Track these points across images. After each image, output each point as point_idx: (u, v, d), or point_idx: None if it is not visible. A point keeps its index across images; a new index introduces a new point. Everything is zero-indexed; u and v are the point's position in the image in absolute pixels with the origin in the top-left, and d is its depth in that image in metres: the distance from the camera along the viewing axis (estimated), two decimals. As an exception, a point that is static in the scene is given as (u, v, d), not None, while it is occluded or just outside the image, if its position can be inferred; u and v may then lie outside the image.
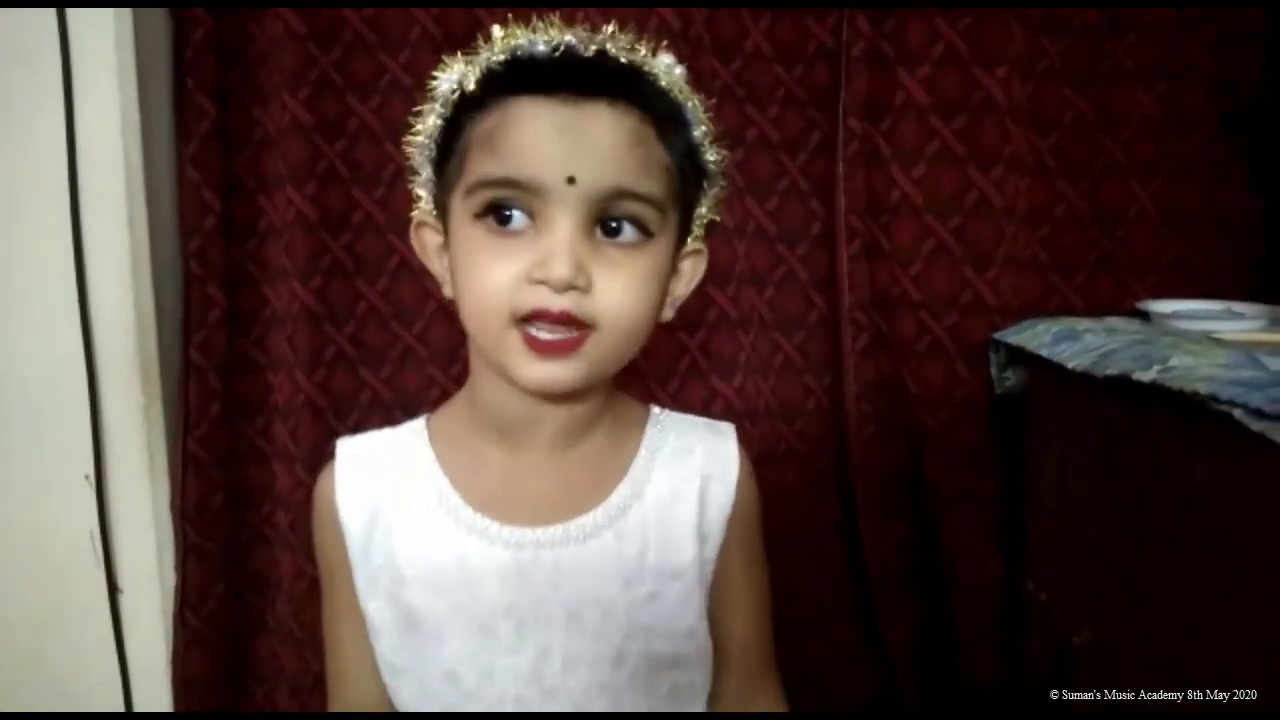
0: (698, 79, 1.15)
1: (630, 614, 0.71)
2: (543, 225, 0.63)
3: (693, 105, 0.68)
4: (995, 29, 1.17)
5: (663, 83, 0.66)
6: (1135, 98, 1.23)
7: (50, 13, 1.08)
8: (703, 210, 0.72)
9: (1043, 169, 1.23)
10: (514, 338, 0.64)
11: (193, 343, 1.18)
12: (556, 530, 0.70)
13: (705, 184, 0.71)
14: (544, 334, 0.63)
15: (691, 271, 0.74)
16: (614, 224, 0.64)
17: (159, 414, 1.17)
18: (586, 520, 0.71)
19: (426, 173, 0.71)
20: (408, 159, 0.72)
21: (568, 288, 0.62)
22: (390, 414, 1.21)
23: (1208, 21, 1.22)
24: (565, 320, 0.62)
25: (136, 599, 1.20)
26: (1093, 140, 1.24)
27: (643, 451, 0.75)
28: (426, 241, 0.73)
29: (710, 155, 0.70)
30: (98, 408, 1.15)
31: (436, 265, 0.73)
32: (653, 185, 0.65)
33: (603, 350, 0.65)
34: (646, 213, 0.65)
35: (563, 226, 0.62)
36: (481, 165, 0.64)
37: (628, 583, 0.71)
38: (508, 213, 0.63)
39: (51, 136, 1.10)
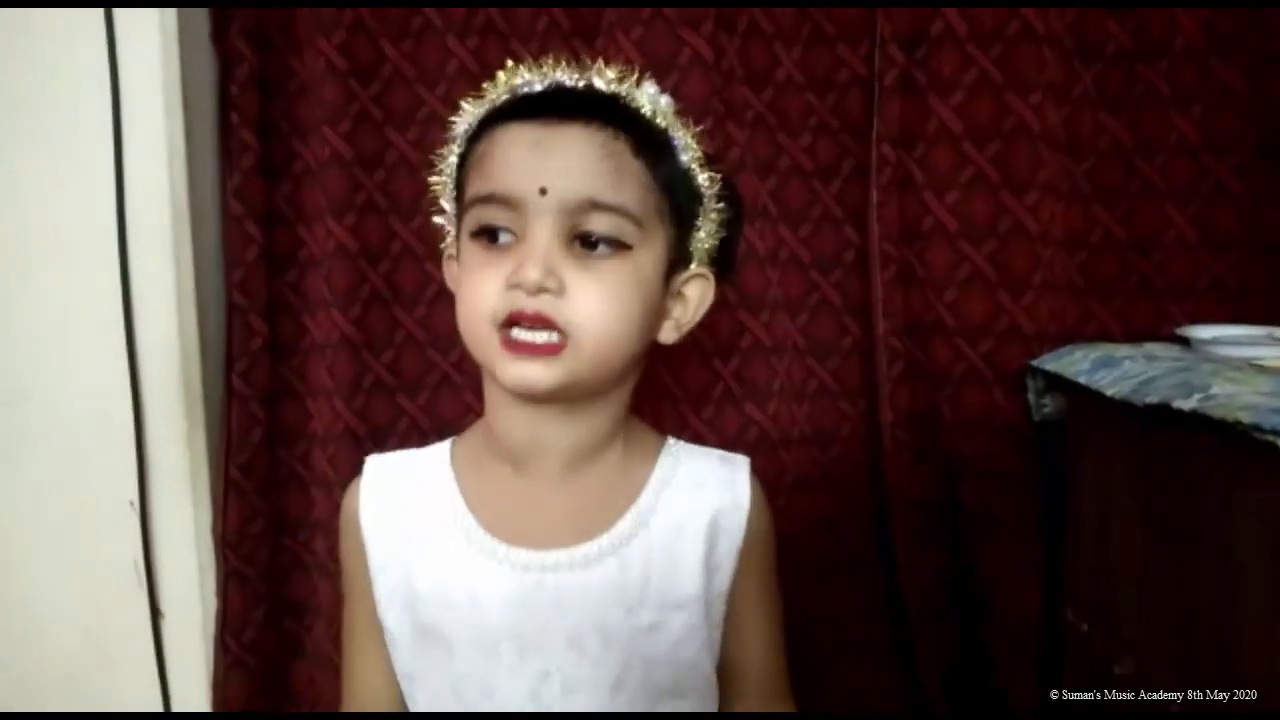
0: (730, 108, 1.18)
1: (631, 642, 0.73)
2: (524, 237, 0.68)
3: (679, 133, 0.72)
4: (1028, 55, 1.17)
5: (645, 110, 0.71)
6: (1170, 121, 1.23)
7: (101, 50, 1.11)
8: (702, 235, 0.75)
9: (1078, 194, 1.23)
10: (495, 340, 0.68)
11: (235, 371, 1.20)
12: (561, 554, 0.73)
13: (700, 208, 0.74)
14: (521, 335, 0.67)
15: (698, 297, 0.77)
16: (591, 237, 0.68)
17: (202, 441, 1.19)
18: (591, 547, 0.73)
19: (450, 208, 0.76)
20: (435, 198, 0.78)
21: (539, 290, 0.66)
22: (427, 440, 1.20)
23: (1240, 44, 1.21)
24: (540, 321, 0.66)
25: (178, 624, 1.21)
26: (1128, 165, 1.23)
27: (652, 482, 0.77)
28: (454, 274, 0.78)
29: (701, 179, 0.73)
30: (142, 435, 1.17)
31: None
32: (626, 197, 0.68)
33: (579, 356, 0.68)
34: (621, 224, 0.69)
35: (538, 236, 0.67)
36: (473, 185, 0.70)
37: (629, 611, 0.73)
38: (495, 230, 0.69)
39: (101, 169, 1.13)
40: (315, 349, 1.24)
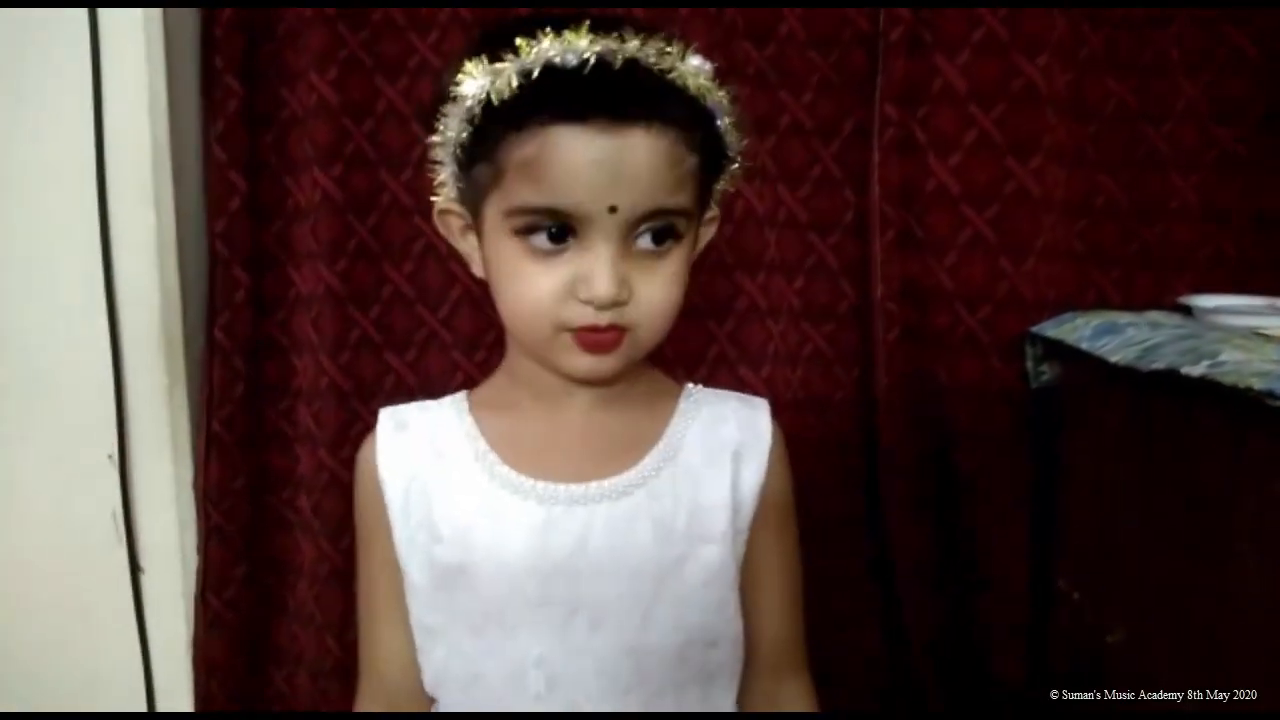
0: (731, 64, 1.15)
1: (660, 576, 0.71)
2: (583, 243, 0.65)
3: (717, 98, 0.69)
4: (1037, 15, 1.15)
5: (691, 89, 0.66)
6: (1179, 87, 1.20)
7: (80, -11, 1.07)
8: (722, 184, 0.74)
9: (1082, 159, 1.21)
10: (563, 338, 0.67)
11: (217, 324, 1.17)
12: (590, 487, 0.72)
13: (724, 163, 0.73)
14: (592, 333, 0.66)
15: (705, 235, 0.76)
16: (649, 235, 0.67)
17: (182, 395, 1.17)
18: (620, 479, 0.72)
19: (452, 169, 0.71)
20: (431, 149, 0.71)
21: (612, 305, 0.65)
22: (413, 398, 1.18)
23: (1254, 10, 1.19)
24: (610, 331, 0.66)
25: (158, 579, 1.20)
26: (1134, 130, 1.21)
27: (676, 418, 0.77)
28: (451, 225, 0.75)
29: (730, 139, 0.71)
30: (122, 387, 1.15)
31: (463, 244, 0.75)
32: (685, 197, 0.67)
33: (641, 343, 0.69)
34: (679, 222, 0.68)
35: (604, 247, 0.65)
36: (523, 192, 0.65)
37: (659, 543, 0.72)
38: (554, 230, 0.65)
39: (79, 114, 1.10)
40: (300, 303, 1.21)
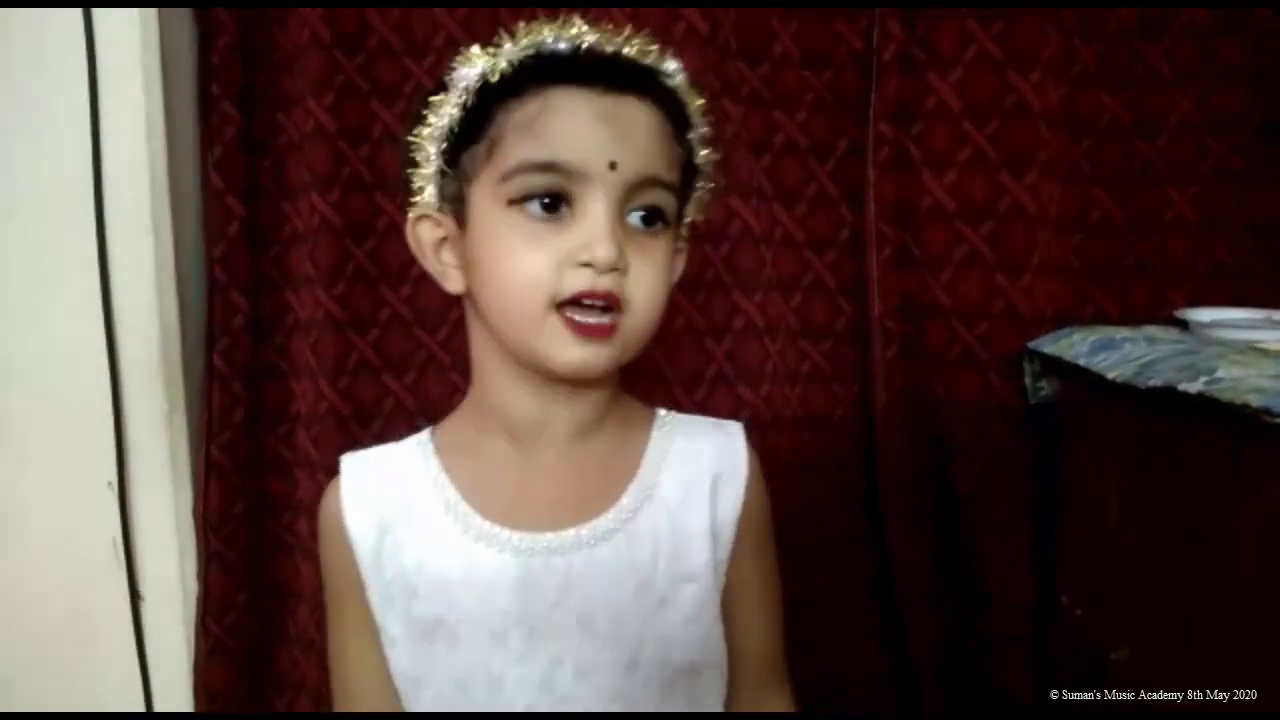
0: (725, 84, 1.16)
1: (643, 620, 0.71)
2: (579, 210, 0.65)
3: (694, 107, 0.71)
4: (1029, 32, 1.15)
5: (671, 85, 0.69)
6: (1172, 101, 1.21)
7: (77, 16, 1.08)
8: (691, 209, 0.75)
9: (1077, 174, 1.21)
10: (554, 321, 0.65)
11: (216, 349, 1.17)
12: (567, 535, 0.70)
13: (695, 182, 0.74)
14: (585, 317, 0.65)
15: (679, 268, 0.76)
16: (642, 211, 0.67)
17: (182, 421, 1.17)
18: (597, 524, 0.71)
19: (436, 165, 0.69)
20: (410, 151, 0.70)
21: (611, 269, 0.64)
22: (413, 422, 1.19)
23: (1246, 22, 1.20)
24: (610, 299, 0.65)
25: (158, 607, 1.19)
26: (1128, 144, 1.22)
27: (651, 452, 0.75)
28: (424, 237, 0.73)
29: (701, 154, 0.73)
30: (120, 414, 1.15)
31: (433, 262, 0.73)
32: (674, 175, 0.69)
33: (631, 333, 0.68)
34: (668, 200, 0.69)
35: (602, 210, 0.65)
36: (521, 150, 0.65)
37: (640, 588, 0.71)
38: (548, 200, 0.65)
39: (76, 141, 1.10)
40: (299, 327, 1.21)
